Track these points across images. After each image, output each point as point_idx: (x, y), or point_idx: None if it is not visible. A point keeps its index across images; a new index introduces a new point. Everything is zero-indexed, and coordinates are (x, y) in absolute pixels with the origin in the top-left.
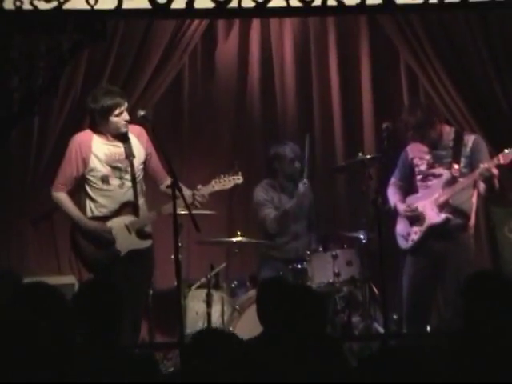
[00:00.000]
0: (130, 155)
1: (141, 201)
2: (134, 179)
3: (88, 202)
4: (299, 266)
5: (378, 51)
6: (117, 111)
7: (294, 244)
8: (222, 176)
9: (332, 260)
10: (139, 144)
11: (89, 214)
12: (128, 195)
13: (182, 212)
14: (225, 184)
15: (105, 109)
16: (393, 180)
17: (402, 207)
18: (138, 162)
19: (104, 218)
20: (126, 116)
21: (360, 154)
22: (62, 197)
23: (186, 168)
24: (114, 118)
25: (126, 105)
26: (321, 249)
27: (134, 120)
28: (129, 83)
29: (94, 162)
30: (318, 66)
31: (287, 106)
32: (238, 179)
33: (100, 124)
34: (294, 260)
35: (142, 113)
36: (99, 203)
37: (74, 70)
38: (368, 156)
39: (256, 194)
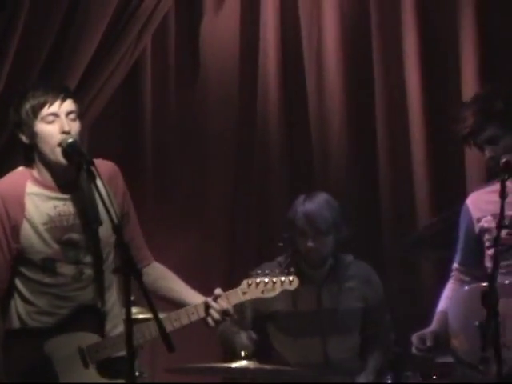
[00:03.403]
0: (93, 219)
1: (110, 303)
2: (99, 263)
3: (16, 304)
4: None
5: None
6: (44, 112)
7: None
8: (262, 275)
9: None
10: (111, 195)
11: (15, 324)
12: (88, 294)
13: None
14: (266, 291)
15: (28, 115)
16: (454, 266)
17: (416, 334)
18: (107, 230)
19: (43, 333)
20: (64, 125)
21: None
22: None
23: (146, 238)
24: (43, 127)
25: (67, 104)
26: (389, 380)
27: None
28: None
29: (27, 234)
30: (382, 47)
31: (330, 121)
32: (291, 283)
33: (33, 152)
34: None
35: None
36: (37, 306)
37: None
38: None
39: None
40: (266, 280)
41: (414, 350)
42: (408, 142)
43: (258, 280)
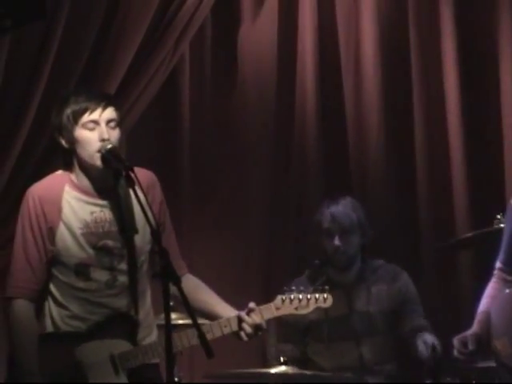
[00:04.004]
0: (129, 227)
1: (144, 311)
2: (133, 271)
3: (50, 308)
4: None
5: None
6: (85, 119)
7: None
8: (297, 292)
9: None
10: (147, 204)
11: (49, 327)
12: (121, 301)
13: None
14: (300, 308)
15: (69, 120)
16: (497, 265)
17: (457, 337)
18: (143, 239)
19: (75, 338)
20: (104, 132)
21: (500, 218)
22: (18, 310)
23: (183, 247)
24: (82, 134)
25: (108, 112)
26: None
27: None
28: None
29: (63, 237)
30: (420, 47)
31: (367, 124)
32: (326, 300)
33: (72, 156)
34: None
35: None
36: (70, 311)
37: None
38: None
39: None
40: (301, 296)
41: (455, 354)
42: (446, 145)
43: (292, 296)
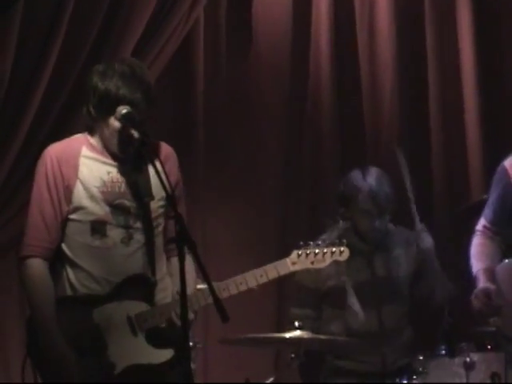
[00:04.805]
0: (145, 193)
1: (160, 273)
2: (149, 231)
3: (67, 272)
4: None
5: None
6: (126, 115)
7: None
8: (313, 246)
9: (464, 371)
10: (164, 174)
11: (67, 290)
12: (137, 260)
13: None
14: (316, 262)
15: (110, 102)
16: (482, 223)
17: (480, 288)
18: (157, 203)
19: (92, 301)
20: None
21: None
22: (33, 268)
23: (198, 212)
24: (116, 124)
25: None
26: (443, 351)
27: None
28: (98, 58)
29: (80, 195)
30: (435, 17)
31: (380, 99)
32: (342, 253)
33: (96, 121)
34: (385, 374)
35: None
36: (86, 271)
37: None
38: None
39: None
40: (317, 251)
41: (478, 306)
42: (461, 106)
43: (308, 251)
